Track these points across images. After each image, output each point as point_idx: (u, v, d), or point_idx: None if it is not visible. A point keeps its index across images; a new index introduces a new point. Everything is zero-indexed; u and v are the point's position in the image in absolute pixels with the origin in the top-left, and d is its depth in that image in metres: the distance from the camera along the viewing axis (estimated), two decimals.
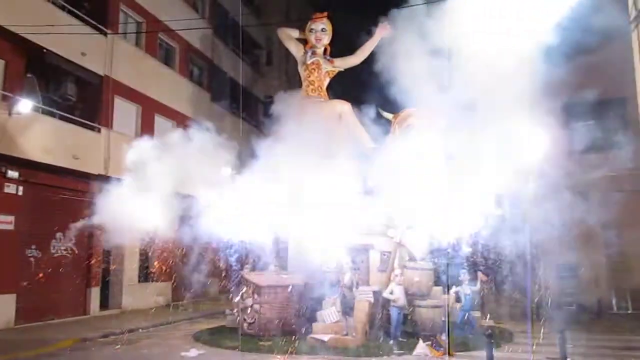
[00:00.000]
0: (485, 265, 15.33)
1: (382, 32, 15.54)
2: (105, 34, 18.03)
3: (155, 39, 21.43)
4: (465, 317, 12.98)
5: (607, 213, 14.35)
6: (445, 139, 12.59)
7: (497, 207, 13.23)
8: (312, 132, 13.35)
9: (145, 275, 19.67)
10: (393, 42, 14.37)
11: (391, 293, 12.20)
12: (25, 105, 14.39)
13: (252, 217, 13.19)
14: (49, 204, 15.41)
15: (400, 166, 12.82)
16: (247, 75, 29.08)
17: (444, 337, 11.29)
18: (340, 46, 16.91)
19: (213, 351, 11.65)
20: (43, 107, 15.76)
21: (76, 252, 16.52)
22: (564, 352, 9.65)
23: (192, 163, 12.83)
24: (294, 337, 12.07)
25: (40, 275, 14.78)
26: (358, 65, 16.63)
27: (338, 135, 13.77)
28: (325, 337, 11.67)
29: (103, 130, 17.82)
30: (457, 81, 12.12)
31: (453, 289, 13.51)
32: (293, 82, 17.03)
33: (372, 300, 12.33)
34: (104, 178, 15.87)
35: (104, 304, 17.88)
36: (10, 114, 14.15)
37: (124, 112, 19.19)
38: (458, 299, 13.43)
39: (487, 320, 14.18)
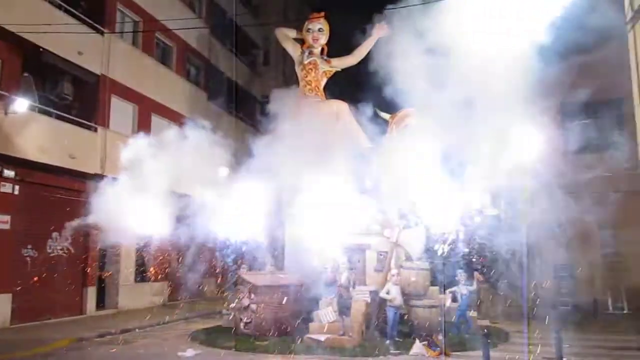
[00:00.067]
0: (482, 265, 15.36)
1: (379, 32, 15.54)
2: (102, 33, 17.99)
3: (152, 38, 21.40)
4: (462, 317, 13.00)
5: (603, 213, 14.41)
6: (441, 139, 12.60)
7: (494, 206, 13.28)
8: (309, 131, 13.35)
9: (141, 275, 19.64)
10: (389, 42, 14.38)
11: (388, 293, 12.20)
12: (21, 104, 14.35)
13: (248, 217, 13.20)
14: (45, 203, 15.38)
15: (396, 166, 12.84)
16: (245, 75, 29.08)
17: (440, 336, 11.31)
18: (337, 46, 16.91)
19: (209, 351, 11.63)
20: (39, 106, 15.72)
21: (72, 251, 16.49)
22: (560, 352, 9.67)
23: (188, 162, 12.80)
24: (290, 337, 12.08)
25: (36, 278, 14.77)
26: (355, 65, 16.62)
27: (335, 135, 13.75)
28: (322, 337, 11.67)
29: (100, 129, 17.78)
30: (453, 81, 12.13)
31: (449, 289, 13.54)
32: (290, 82, 17.01)
33: (368, 300, 12.34)
34: (101, 177, 15.83)
35: (100, 304, 17.84)
36: (6, 113, 14.11)
37: (121, 111, 19.16)
38: (454, 299, 13.46)
39: (484, 320, 14.21)
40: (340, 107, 15.43)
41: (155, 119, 20.81)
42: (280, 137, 14.04)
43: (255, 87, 29.83)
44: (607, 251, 16.66)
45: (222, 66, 26.33)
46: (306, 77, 16.15)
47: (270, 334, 12.47)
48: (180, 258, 13.89)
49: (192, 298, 19.52)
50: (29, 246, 15.08)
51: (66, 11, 16.55)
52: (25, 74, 15.53)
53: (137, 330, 14.41)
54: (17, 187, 14.63)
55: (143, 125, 19.77)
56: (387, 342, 11.64)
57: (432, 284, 13.90)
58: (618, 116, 16.37)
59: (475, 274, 14.05)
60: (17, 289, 14.28)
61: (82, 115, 17.28)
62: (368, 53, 16.01)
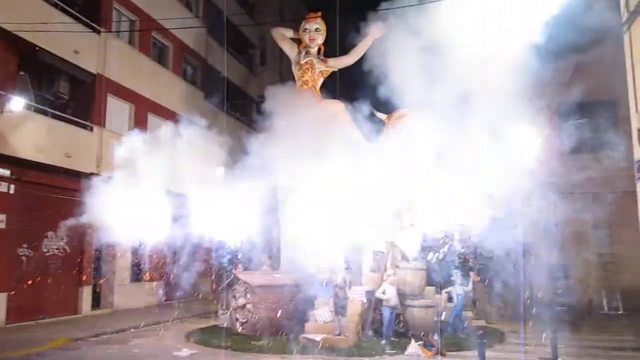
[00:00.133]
0: (477, 265, 15.39)
1: (376, 32, 15.53)
2: (99, 32, 17.96)
3: (148, 38, 21.37)
4: (457, 317, 13.03)
5: (598, 213, 14.46)
6: (437, 139, 12.63)
7: (490, 207, 13.29)
8: (305, 131, 13.34)
9: (137, 274, 19.61)
10: (385, 41, 14.40)
11: (384, 293, 12.22)
12: (17, 103, 14.32)
13: (243, 216, 13.19)
14: (41, 202, 15.34)
15: (393, 166, 12.85)
16: (241, 75, 29.06)
17: (436, 336, 11.33)
18: (334, 46, 16.91)
19: (205, 351, 11.63)
20: (35, 105, 15.68)
21: (68, 251, 16.46)
22: (555, 352, 9.70)
23: (183, 161, 12.79)
24: (286, 336, 12.08)
25: (30, 282, 14.74)
26: (351, 64, 16.63)
27: (331, 134, 13.75)
28: (318, 337, 11.68)
29: (95, 128, 17.74)
30: (448, 81, 12.16)
31: (445, 289, 13.58)
32: (287, 81, 16.99)
33: (364, 300, 12.35)
34: (96, 176, 15.79)
35: (95, 304, 17.81)
36: (2, 111, 14.08)
37: (117, 110, 19.12)
38: (450, 299, 13.49)
39: (479, 320, 14.24)
40: (337, 107, 15.44)
41: (152, 119, 20.78)
42: (276, 136, 14.04)
43: (252, 87, 29.81)
44: (603, 251, 16.71)
45: (218, 66, 26.29)
46: (303, 76, 16.16)
47: (266, 333, 12.47)
48: (176, 258, 13.86)
49: (188, 298, 19.51)
50: (25, 245, 15.03)
51: (62, 10, 16.51)
52: (21, 73, 15.47)
53: (132, 330, 14.38)
54: (12, 186, 14.58)
55: (139, 124, 19.72)
56: (383, 342, 11.66)
57: (428, 284, 13.93)
58: (613, 116, 16.44)
59: (471, 274, 14.07)
60: (12, 293, 14.25)
61: (78, 115, 17.24)
62: (364, 53, 16.02)
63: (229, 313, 13.93)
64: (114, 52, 18.64)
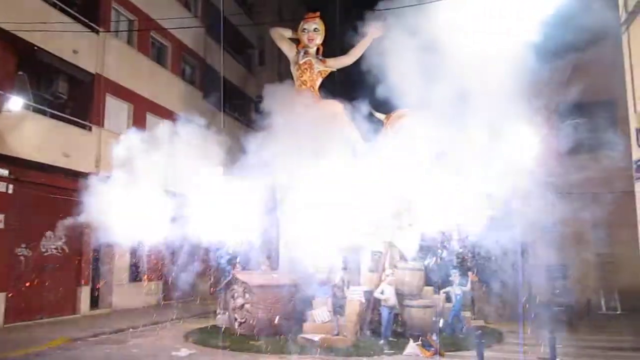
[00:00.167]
0: (476, 265, 15.40)
1: (374, 32, 15.53)
2: (97, 32, 17.95)
3: (147, 38, 21.37)
4: (456, 317, 13.04)
5: (597, 213, 14.46)
6: (435, 139, 12.64)
7: (488, 207, 13.29)
8: (304, 131, 13.35)
9: (135, 274, 19.60)
10: (383, 41, 14.41)
11: (382, 293, 12.22)
12: (15, 103, 14.31)
13: (242, 216, 13.18)
14: (39, 202, 15.32)
15: (391, 166, 12.85)
16: (240, 75, 29.05)
17: (434, 337, 11.33)
18: (332, 46, 16.92)
19: (204, 351, 11.62)
20: (34, 105, 15.67)
21: (66, 251, 16.45)
22: (553, 352, 9.71)
23: (182, 160, 12.77)
24: (284, 336, 12.08)
25: (30, 277, 14.73)
26: (350, 64, 16.64)
27: (330, 134, 13.76)
28: (316, 337, 11.68)
29: (94, 128, 17.74)
30: (446, 80, 12.17)
31: (443, 289, 13.58)
32: (285, 82, 16.99)
33: (363, 300, 12.36)
34: (95, 176, 15.78)
35: (94, 304, 17.80)
36: (0, 111, 14.07)
37: (116, 110, 19.13)
38: (448, 299, 13.49)
39: (478, 320, 14.25)
40: (336, 107, 15.43)
41: (151, 118, 20.77)
42: (274, 135, 14.05)
43: (250, 87, 29.81)
44: (601, 252, 16.72)
45: (217, 65, 26.25)
46: (301, 76, 16.18)
47: (265, 333, 12.47)
48: (174, 258, 13.85)
49: (186, 298, 19.50)
50: (23, 245, 15.02)
51: (61, 10, 16.51)
52: (20, 73, 15.47)
53: (131, 330, 14.37)
54: (11, 186, 14.58)
55: (138, 124, 19.70)
56: (381, 342, 11.66)
57: (427, 284, 13.94)
58: (612, 116, 16.45)
59: (469, 274, 14.08)
60: (10, 294, 14.24)
61: (76, 114, 17.24)
62: (363, 53, 16.02)
63: (227, 313, 13.93)
64: (112, 52, 18.64)
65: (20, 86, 15.27)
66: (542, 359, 10.12)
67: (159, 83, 21.58)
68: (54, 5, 16.35)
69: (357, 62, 16.18)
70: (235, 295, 13.45)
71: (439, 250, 13.99)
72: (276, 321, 12.70)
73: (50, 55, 15.92)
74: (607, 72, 13.37)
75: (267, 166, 13.45)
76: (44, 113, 15.99)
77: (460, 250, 14.55)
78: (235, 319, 13.27)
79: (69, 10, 16.76)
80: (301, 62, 16.22)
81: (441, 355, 10.79)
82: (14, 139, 14.40)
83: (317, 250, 12.84)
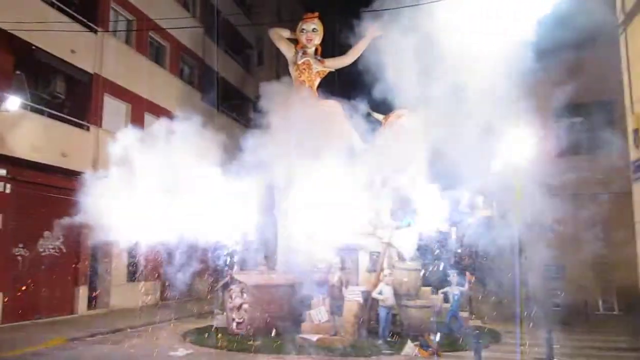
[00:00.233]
0: (473, 265, 15.43)
1: (373, 33, 15.55)
2: (95, 32, 17.94)
3: (145, 37, 21.34)
4: (453, 317, 13.05)
5: (594, 214, 14.52)
6: (433, 139, 12.67)
7: (486, 207, 13.34)
8: (302, 130, 13.35)
9: (133, 274, 19.58)
10: (381, 42, 14.43)
11: (380, 293, 12.23)
12: (13, 102, 14.27)
13: (240, 215, 13.17)
14: (37, 202, 15.30)
15: (389, 166, 12.88)
16: (238, 75, 29.06)
17: (432, 337, 11.35)
18: (331, 46, 16.94)
19: (201, 351, 11.62)
20: (32, 104, 15.65)
21: (64, 250, 16.42)
22: (550, 352, 9.74)
23: (179, 160, 12.74)
24: (282, 336, 12.08)
25: (28, 276, 14.71)
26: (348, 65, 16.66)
27: (328, 134, 13.77)
28: (314, 337, 11.70)
29: (92, 128, 17.73)
30: (443, 81, 12.22)
31: (441, 289, 13.59)
32: (284, 82, 16.97)
33: (361, 300, 12.37)
34: (91, 175, 15.75)
35: (91, 304, 17.77)
36: None
37: (114, 110, 19.10)
38: (446, 299, 13.50)
39: (475, 320, 14.27)
40: (334, 107, 15.43)
41: (149, 118, 20.73)
42: (271, 133, 14.05)
43: (249, 87, 29.82)
44: (598, 252, 16.74)
45: (216, 66, 26.27)
46: (300, 77, 16.19)
47: (262, 333, 12.47)
48: (172, 257, 13.83)
49: (184, 297, 19.49)
50: (21, 245, 15.00)
51: (59, 9, 16.48)
52: (18, 72, 15.46)
53: (128, 330, 14.36)
54: (8, 185, 14.56)
55: (136, 124, 19.68)
56: (379, 342, 11.67)
57: (424, 284, 13.95)
58: (610, 117, 16.48)
59: (467, 274, 14.10)
60: (6, 300, 14.22)
61: (74, 114, 17.22)
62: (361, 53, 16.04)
63: (225, 313, 13.93)
64: (110, 52, 18.62)
65: (18, 85, 15.26)
66: (539, 359, 10.13)
67: (157, 83, 21.56)
68: (52, 4, 16.33)
69: (356, 63, 16.20)
70: (233, 295, 13.44)
71: (437, 251, 14.02)
72: (274, 321, 12.70)
73: (48, 54, 15.90)
74: (605, 72, 13.41)
75: (264, 166, 13.46)
76: (41, 113, 15.96)
77: (459, 250, 14.58)
78: (233, 319, 13.26)
79: (67, 9, 16.74)
80: (299, 62, 16.24)
81: (439, 355, 10.80)
82: (11, 139, 14.37)
83: (315, 250, 12.84)
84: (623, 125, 11.34)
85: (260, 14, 30.59)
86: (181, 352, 11.26)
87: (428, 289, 13.87)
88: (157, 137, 13.13)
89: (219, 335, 12.83)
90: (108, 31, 18.73)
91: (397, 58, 13.34)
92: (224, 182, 13.11)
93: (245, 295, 13.17)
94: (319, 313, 12.75)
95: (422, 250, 14.00)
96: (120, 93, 19.38)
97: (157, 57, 22.62)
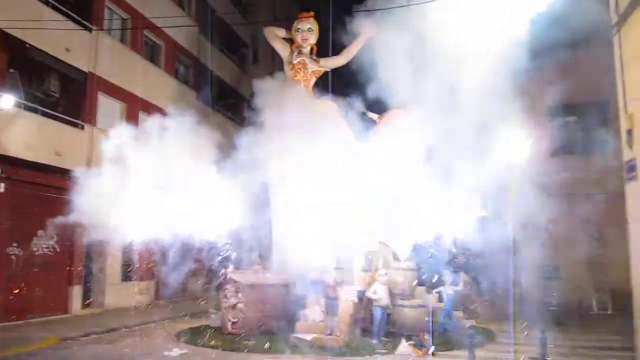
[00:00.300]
0: (468, 265, 15.45)
1: (368, 33, 15.53)
2: (90, 30, 17.87)
3: (140, 36, 21.29)
4: (448, 317, 13.07)
5: (588, 214, 14.56)
6: (428, 139, 12.69)
7: (481, 207, 13.36)
8: (297, 131, 13.33)
9: (127, 273, 19.53)
10: (376, 41, 14.44)
11: (375, 293, 12.24)
12: (7, 101, 14.22)
13: (234, 214, 13.15)
14: (31, 201, 15.23)
15: (384, 165, 12.88)
16: (233, 74, 29.00)
17: (426, 336, 11.37)
18: (326, 45, 16.91)
19: (196, 350, 11.61)
20: (25, 103, 15.58)
21: (58, 250, 16.36)
22: (544, 351, 9.77)
23: (174, 158, 12.71)
24: (277, 336, 12.07)
25: (22, 276, 14.65)
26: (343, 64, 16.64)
27: (323, 134, 13.76)
28: (309, 337, 11.70)
29: (87, 127, 17.67)
30: (438, 81, 12.23)
31: (436, 289, 13.61)
32: (278, 78, 16.91)
33: (356, 300, 12.37)
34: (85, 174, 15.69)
35: (86, 303, 17.71)
36: None
37: (108, 109, 19.05)
38: (441, 299, 13.52)
39: (469, 319, 14.29)
40: (329, 106, 15.40)
41: (143, 117, 20.66)
42: (266, 133, 14.03)
43: (244, 86, 29.77)
44: (592, 252, 16.81)
45: (211, 65, 26.21)
46: (295, 76, 16.14)
47: (257, 333, 12.47)
48: (166, 257, 13.81)
49: (179, 297, 19.46)
50: (14, 244, 14.93)
51: (53, 7, 16.41)
52: (11, 70, 15.38)
53: (123, 329, 14.33)
54: (2, 184, 14.48)
55: (131, 123, 19.61)
56: (374, 341, 11.68)
57: (419, 284, 13.96)
58: (604, 117, 16.55)
59: (462, 274, 14.13)
60: (3, 284, 14.17)
61: (69, 113, 17.15)
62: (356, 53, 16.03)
63: (220, 313, 13.91)
64: (105, 51, 18.56)
65: (12, 84, 15.18)
66: (533, 358, 10.16)
67: (152, 82, 21.49)
68: (47, 2, 16.25)
69: (350, 62, 16.19)
70: (228, 294, 13.42)
71: (432, 250, 14.03)
72: (269, 321, 12.69)
73: (43, 53, 15.84)
74: (599, 72, 13.45)
75: (259, 164, 13.44)
76: (35, 111, 15.90)
77: (453, 250, 14.59)
78: (228, 319, 13.24)
79: (61, 7, 16.67)
80: (295, 61, 16.19)
81: (433, 354, 10.83)
82: (5, 138, 14.31)
83: (310, 250, 12.84)
84: (617, 125, 11.36)
85: (255, 13, 30.56)
86: (176, 352, 11.24)
87: (423, 288, 13.89)
88: (150, 134, 13.09)
89: (214, 334, 12.81)
90: (103, 30, 18.67)
91: (392, 57, 13.35)
92: (218, 180, 13.10)
93: (240, 294, 13.15)
94: (313, 312, 12.75)
95: (417, 249, 14.00)
96: (115, 92, 19.32)
97: (152, 55, 22.56)
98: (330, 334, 11.88)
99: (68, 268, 16.76)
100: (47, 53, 15.99)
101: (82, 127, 17.53)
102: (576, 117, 18.34)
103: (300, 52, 16.29)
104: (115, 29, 20.14)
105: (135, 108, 20.38)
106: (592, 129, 16.34)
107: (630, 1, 9.88)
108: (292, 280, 13.32)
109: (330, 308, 12.46)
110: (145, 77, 21.10)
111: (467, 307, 15.25)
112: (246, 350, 11.37)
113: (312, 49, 16.52)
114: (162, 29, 21.42)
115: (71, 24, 16.92)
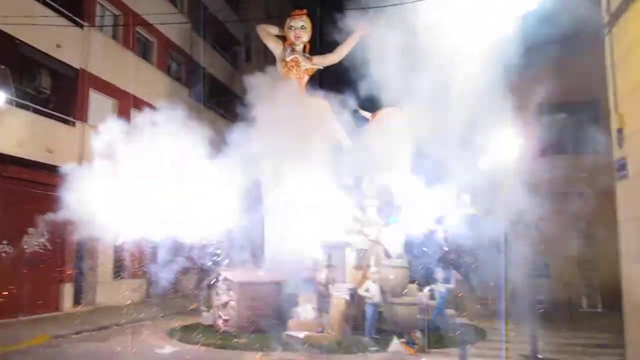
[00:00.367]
0: (460, 263, 15.49)
1: (361, 31, 15.54)
2: (81, 26, 17.77)
3: (132, 33, 21.18)
4: (439, 315, 13.10)
5: (579, 212, 14.64)
6: (419, 137, 12.71)
7: (471, 205, 13.41)
8: (289, 128, 13.31)
9: (119, 271, 19.45)
10: (369, 39, 14.45)
11: (367, 290, 12.25)
12: None
13: (226, 212, 13.11)
14: (22, 198, 15.13)
15: (375, 164, 12.90)
16: (226, 72, 28.93)
17: (418, 334, 11.40)
18: (319, 43, 16.92)
19: (188, 348, 11.59)
20: (16, 99, 15.47)
21: (49, 247, 16.25)
22: (535, 349, 9.83)
23: (165, 155, 12.66)
24: (269, 333, 12.07)
25: (12, 274, 14.55)
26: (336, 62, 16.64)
27: (315, 131, 13.76)
28: (301, 334, 11.71)
29: (78, 123, 17.58)
30: (429, 79, 12.26)
31: (428, 287, 13.63)
32: (269, 73, 16.87)
33: (347, 297, 12.39)
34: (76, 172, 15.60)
35: (77, 301, 17.63)
36: None
37: (100, 105, 18.95)
38: (432, 297, 13.55)
39: (461, 317, 14.33)
40: (321, 103, 15.39)
41: (135, 114, 20.57)
42: (258, 130, 14.00)
43: (237, 84, 29.69)
44: (582, 250, 16.91)
45: (203, 62, 26.15)
46: (288, 74, 16.13)
47: (249, 330, 12.46)
48: (158, 254, 13.77)
49: (171, 295, 19.39)
50: (5, 242, 14.83)
51: (44, 3, 16.32)
52: (2, 67, 15.25)
53: (114, 327, 14.28)
54: None
55: (122, 119, 19.52)
56: (366, 339, 11.69)
57: (411, 281, 14.00)
58: (595, 115, 16.64)
59: (453, 272, 14.16)
60: None
61: (60, 109, 17.07)
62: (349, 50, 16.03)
63: (211, 310, 13.89)
64: (97, 47, 18.47)
65: (2, 80, 15.05)
66: (524, 356, 10.22)
67: (144, 79, 21.40)
68: None
69: (344, 59, 16.19)
70: (220, 292, 13.41)
71: (423, 248, 14.07)
72: (260, 318, 12.68)
73: (33, 49, 15.73)
74: (590, 71, 13.53)
75: (251, 160, 13.42)
76: (26, 108, 15.80)
77: (445, 248, 14.63)
78: (220, 316, 13.24)
79: (52, 3, 16.56)
80: (288, 59, 16.17)
81: (425, 352, 10.86)
82: None
83: (302, 248, 12.84)
84: (607, 123, 11.44)
85: (248, 10, 30.49)
86: (167, 349, 11.22)
87: (414, 286, 13.92)
88: (141, 130, 13.03)
89: (206, 332, 12.79)
90: (94, 26, 18.57)
91: (384, 55, 13.36)
92: (210, 177, 13.05)
93: (232, 292, 13.14)
94: (305, 310, 12.76)
95: (409, 247, 14.03)
96: (107, 88, 19.24)
97: (144, 52, 22.47)
98: (322, 332, 11.90)
99: (59, 265, 16.66)
100: (38, 49, 15.90)
101: (74, 124, 17.44)
102: (567, 116, 18.43)
103: (293, 50, 16.28)
104: (107, 26, 20.04)
105: (127, 105, 20.29)
106: (582, 128, 16.42)
107: (621, 0, 9.93)
108: (284, 278, 13.32)
109: (322, 306, 12.49)
110: (137, 73, 21.01)
111: (458, 304, 15.29)
112: (238, 347, 11.36)
113: (305, 47, 16.52)
114: (154, 25, 21.32)
115: (62, 20, 16.83)
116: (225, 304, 13.15)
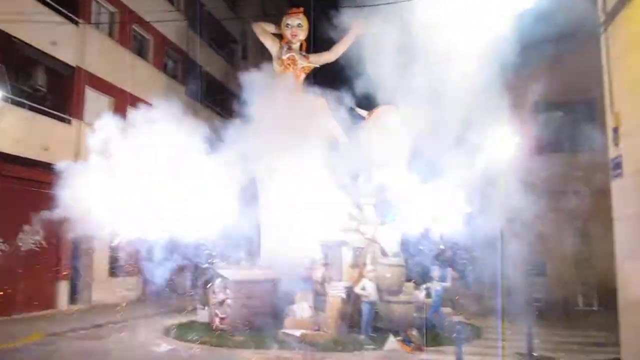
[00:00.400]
0: (456, 261, 15.52)
1: (357, 29, 15.52)
2: (77, 24, 17.70)
3: (128, 30, 21.11)
4: (435, 313, 13.12)
5: (574, 211, 14.67)
6: (415, 135, 12.71)
7: (466, 203, 13.42)
8: (285, 126, 13.30)
9: (115, 269, 19.41)
10: (366, 37, 14.44)
11: (363, 289, 12.25)
12: None
13: (222, 210, 13.10)
14: (17, 196, 15.08)
15: (372, 162, 12.90)
16: (222, 70, 28.88)
17: (414, 332, 11.41)
18: (315, 42, 16.89)
19: (184, 346, 11.58)
20: (12, 97, 15.41)
21: (45, 245, 16.21)
22: (531, 347, 9.85)
23: (161, 152, 12.63)
24: (265, 332, 12.07)
25: (8, 272, 14.50)
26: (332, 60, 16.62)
27: (311, 129, 13.74)
28: (297, 332, 11.71)
29: (74, 121, 17.52)
30: (426, 78, 12.26)
31: (424, 285, 13.66)
32: (266, 70, 16.84)
33: (344, 295, 12.39)
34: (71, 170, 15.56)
35: (73, 299, 17.59)
36: None
37: (96, 103, 18.89)
38: (428, 295, 13.58)
39: (457, 315, 14.36)
40: (318, 101, 15.36)
41: (132, 112, 20.51)
42: (254, 127, 13.97)
43: (233, 82, 29.63)
44: (578, 248, 16.95)
45: (200, 59, 26.09)
46: (284, 72, 16.10)
47: (245, 328, 12.45)
48: (154, 253, 13.74)
49: (166, 293, 19.36)
50: (0, 240, 14.78)
51: (40, 0, 16.22)
52: None
53: (110, 325, 14.25)
54: None
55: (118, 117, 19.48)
56: (362, 337, 11.70)
57: (407, 280, 14.01)
58: (590, 115, 16.67)
59: (449, 270, 14.18)
60: None
61: (56, 107, 17.01)
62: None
63: (207, 308, 13.88)
64: (93, 45, 18.41)
65: None
66: (520, 354, 10.24)
67: (140, 76, 21.31)
68: None
69: (340, 58, 16.17)
70: (216, 290, 13.40)
71: (420, 247, 14.08)
72: (257, 317, 12.68)
73: (29, 46, 15.67)
74: (586, 70, 13.56)
75: (247, 159, 13.40)
76: (22, 105, 15.73)
77: (441, 246, 14.66)
78: (216, 314, 13.22)
79: (48, 1, 16.49)
80: (284, 57, 16.15)
81: (421, 350, 10.88)
82: None
83: (298, 246, 12.84)
84: (603, 122, 11.46)
85: (244, 8, 30.42)
86: (164, 347, 11.22)
87: (411, 284, 13.93)
88: (137, 128, 13.00)
89: (202, 330, 12.77)
90: (90, 23, 18.51)
91: (380, 54, 13.36)
92: (206, 175, 13.03)
93: (228, 290, 13.12)
94: (301, 308, 12.76)
95: (405, 245, 14.04)
96: (103, 86, 19.18)
97: (140, 50, 22.40)
98: (318, 330, 11.90)
99: (55, 263, 16.62)
100: (33, 47, 15.83)
101: (70, 122, 17.39)
102: (563, 114, 18.46)
103: (289, 48, 16.25)
104: (103, 23, 19.97)
105: (123, 102, 20.17)
106: (578, 126, 16.46)
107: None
108: (280, 276, 13.31)
109: (319, 304, 12.49)
110: (134, 71, 20.93)
111: (455, 302, 15.32)
112: (234, 345, 11.35)
113: (301, 45, 16.50)
114: (151, 23, 21.26)
115: (58, 18, 16.77)
116: (221, 302, 13.13)
